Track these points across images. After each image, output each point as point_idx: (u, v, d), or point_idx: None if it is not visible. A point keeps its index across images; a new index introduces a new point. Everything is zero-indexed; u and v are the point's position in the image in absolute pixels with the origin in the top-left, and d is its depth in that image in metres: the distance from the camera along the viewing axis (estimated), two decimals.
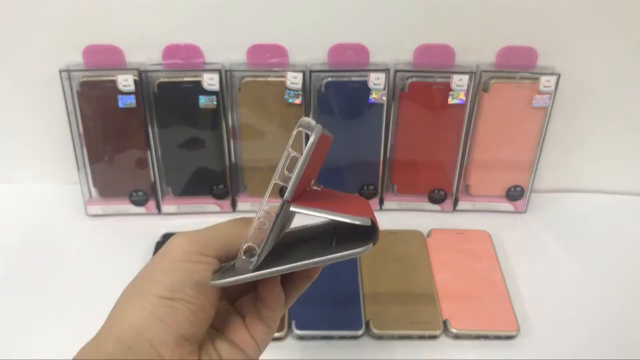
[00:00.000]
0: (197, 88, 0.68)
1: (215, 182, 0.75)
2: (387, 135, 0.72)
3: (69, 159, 0.73)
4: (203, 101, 0.69)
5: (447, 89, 0.69)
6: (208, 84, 0.68)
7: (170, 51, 0.69)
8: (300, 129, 0.32)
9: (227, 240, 0.34)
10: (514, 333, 0.59)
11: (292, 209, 0.32)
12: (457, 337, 0.59)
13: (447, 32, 0.69)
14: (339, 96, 0.69)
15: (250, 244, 0.33)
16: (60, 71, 0.68)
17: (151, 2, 0.67)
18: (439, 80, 0.69)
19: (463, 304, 0.62)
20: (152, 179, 0.74)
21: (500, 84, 0.69)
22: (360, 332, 0.59)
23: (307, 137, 0.31)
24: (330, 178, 0.74)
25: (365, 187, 0.76)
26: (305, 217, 0.34)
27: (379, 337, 0.59)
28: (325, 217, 0.32)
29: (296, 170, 0.31)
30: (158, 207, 0.76)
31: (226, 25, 0.69)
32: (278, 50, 0.69)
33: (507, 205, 0.77)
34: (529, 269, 0.68)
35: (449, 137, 0.73)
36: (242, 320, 0.36)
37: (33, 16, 0.68)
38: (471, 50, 0.70)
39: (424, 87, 0.69)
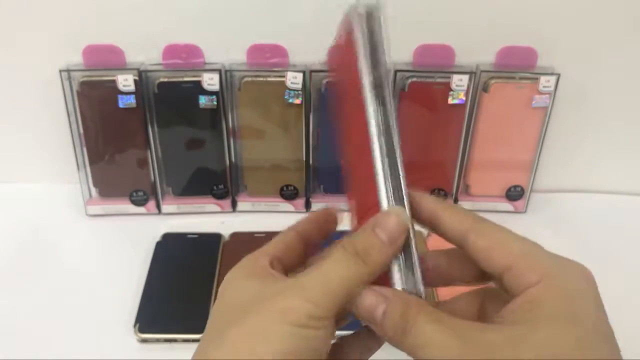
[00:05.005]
0: (197, 88, 0.68)
1: (215, 182, 0.75)
2: None
3: (69, 159, 0.73)
4: (203, 101, 0.69)
5: (447, 89, 0.69)
6: (208, 84, 0.68)
7: (170, 51, 0.69)
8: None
9: (345, 295, 0.31)
10: None
11: None
12: None
13: (447, 32, 0.69)
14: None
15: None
16: (60, 71, 0.68)
17: (151, 2, 0.67)
18: (439, 80, 0.69)
19: None
20: (152, 179, 0.74)
21: (500, 84, 0.69)
22: None
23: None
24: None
25: None
26: None
27: None
28: None
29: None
30: (158, 207, 0.76)
31: (226, 25, 0.69)
32: (278, 50, 0.69)
33: (507, 205, 0.77)
34: None
35: (448, 137, 0.73)
36: None
37: (33, 16, 0.68)
38: (471, 50, 0.70)
39: (424, 87, 0.69)
